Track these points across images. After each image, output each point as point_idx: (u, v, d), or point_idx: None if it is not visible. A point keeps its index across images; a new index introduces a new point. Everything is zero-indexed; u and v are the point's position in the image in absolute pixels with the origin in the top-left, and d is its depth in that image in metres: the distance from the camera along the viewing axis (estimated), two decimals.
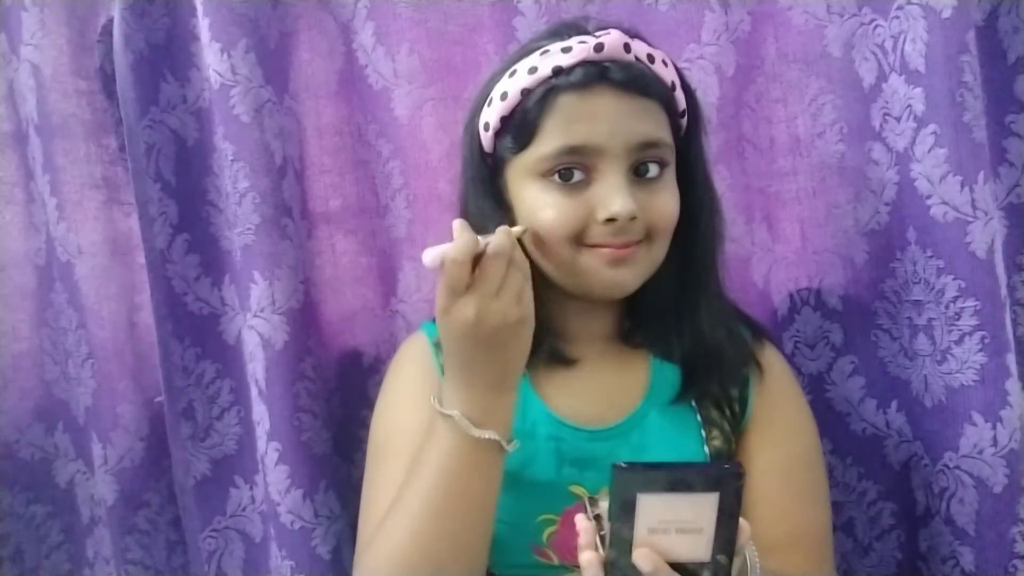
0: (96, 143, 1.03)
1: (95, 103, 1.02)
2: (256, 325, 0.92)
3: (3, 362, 1.08)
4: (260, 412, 0.94)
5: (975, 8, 0.76)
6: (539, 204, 0.69)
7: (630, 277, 0.70)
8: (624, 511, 0.53)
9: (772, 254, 0.94)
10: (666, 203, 0.70)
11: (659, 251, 0.72)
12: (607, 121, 0.67)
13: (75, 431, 1.10)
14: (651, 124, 0.68)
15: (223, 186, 0.95)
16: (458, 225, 0.60)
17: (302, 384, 0.94)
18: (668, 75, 0.71)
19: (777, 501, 0.73)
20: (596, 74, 0.67)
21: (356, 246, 1.02)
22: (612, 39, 0.67)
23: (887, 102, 0.84)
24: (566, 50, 0.67)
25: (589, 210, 0.68)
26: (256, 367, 0.93)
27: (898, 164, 0.84)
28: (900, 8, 0.81)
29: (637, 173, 0.69)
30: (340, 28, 0.98)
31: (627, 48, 0.68)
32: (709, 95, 0.91)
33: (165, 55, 0.95)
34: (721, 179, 0.92)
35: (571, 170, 0.68)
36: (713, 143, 0.91)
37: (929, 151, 0.80)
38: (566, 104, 0.67)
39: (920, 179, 0.81)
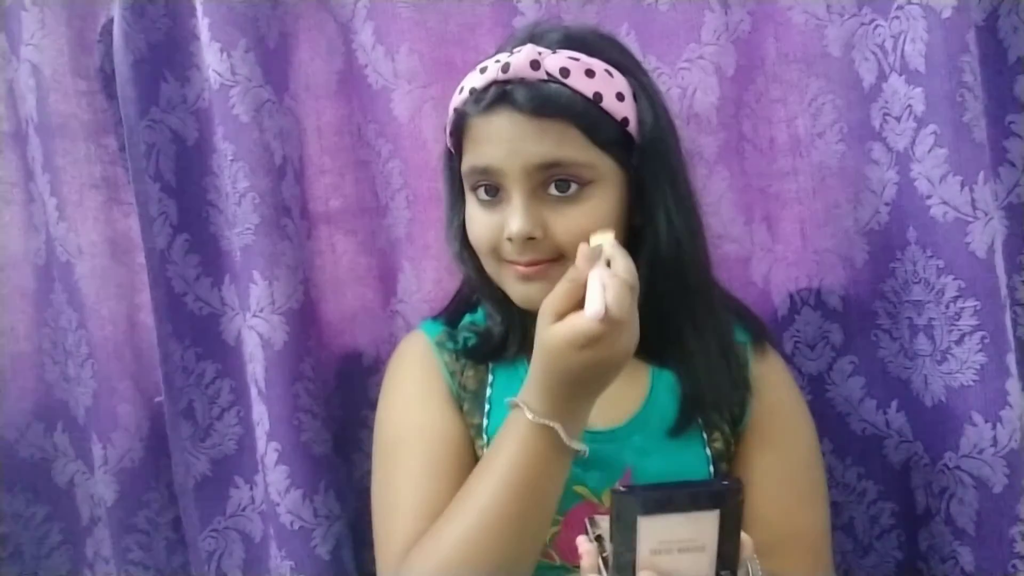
0: (96, 143, 1.03)
1: (95, 103, 1.02)
2: (256, 325, 0.92)
3: (3, 362, 1.08)
4: (260, 412, 0.93)
5: (975, 8, 0.76)
6: (471, 216, 0.73)
7: (541, 294, 0.67)
8: (625, 534, 0.53)
9: (772, 254, 0.94)
10: (574, 222, 0.67)
11: None
12: (504, 143, 0.67)
13: (75, 431, 1.09)
14: (552, 144, 0.66)
15: (223, 186, 0.95)
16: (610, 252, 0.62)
17: (302, 384, 0.94)
18: (590, 87, 0.67)
19: (776, 503, 0.73)
20: (498, 96, 0.67)
21: (356, 246, 1.02)
22: (518, 59, 0.66)
23: (887, 102, 0.84)
24: (483, 71, 0.69)
25: (501, 227, 0.69)
26: (256, 367, 0.93)
27: (898, 164, 0.84)
28: (900, 8, 0.81)
29: (558, 190, 0.68)
30: (340, 28, 0.98)
31: (535, 65, 0.66)
32: (709, 95, 0.91)
33: (165, 55, 0.95)
34: (721, 179, 0.92)
35: (493, 187, 0.70)
36: (713, 143, 0.91)
37: (929, 151, 0.80)
38: (474, 126, 0.70)
39: (920, 179, 0.81)
